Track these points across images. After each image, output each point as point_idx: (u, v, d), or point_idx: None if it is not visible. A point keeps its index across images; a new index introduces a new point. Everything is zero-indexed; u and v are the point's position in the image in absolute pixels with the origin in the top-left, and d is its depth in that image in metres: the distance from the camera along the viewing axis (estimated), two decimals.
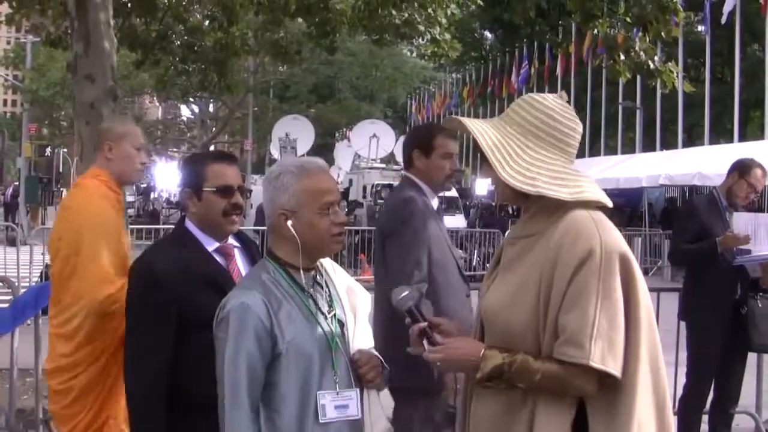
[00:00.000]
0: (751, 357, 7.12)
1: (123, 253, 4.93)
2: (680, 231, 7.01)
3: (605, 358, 2.75)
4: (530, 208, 3.04)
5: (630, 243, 23.64)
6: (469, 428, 3.09)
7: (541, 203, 2.96)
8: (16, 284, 8.48)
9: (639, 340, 2.83)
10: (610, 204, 3.00)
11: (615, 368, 2.77)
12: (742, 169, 6.84)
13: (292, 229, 3.12)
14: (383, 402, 3.41)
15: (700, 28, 38.44)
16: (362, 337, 3.33)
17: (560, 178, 2.93)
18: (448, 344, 2.97)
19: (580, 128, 3.06)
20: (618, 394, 2.81)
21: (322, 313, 3.19)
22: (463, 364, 2.97)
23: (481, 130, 3.01)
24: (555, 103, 3.02)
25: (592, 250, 2.80)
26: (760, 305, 6.59)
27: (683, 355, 7.02)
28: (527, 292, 2.89)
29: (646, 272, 23.30)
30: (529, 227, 3.03)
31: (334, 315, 3.23)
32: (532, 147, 2.97)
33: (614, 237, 2.89)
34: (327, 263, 3.40)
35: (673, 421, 2.93)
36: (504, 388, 2.90)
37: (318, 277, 3.29)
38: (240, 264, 3.90)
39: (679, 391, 7.04)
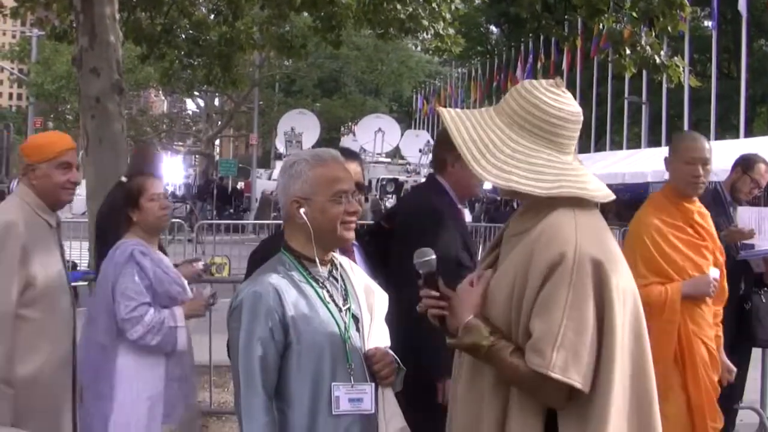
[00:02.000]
0: (756, 352, 7.11)
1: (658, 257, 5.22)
2: None
3: (567, 369, 2.63)
4: (523, 204, 2.97)
5: None
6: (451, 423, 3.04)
7: (532, 199, 2.84)
8: None
9: (613, 352, 2.69)
10: (602, 198, 2.87)
11: (578, 380, 2.64)
12: (745, 164, 6.83)
13: (305, 217, 3.14)
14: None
15: (707, 23, 38.40)
16: (378, 336, 3.32)
17: (539, 171, 2.80)
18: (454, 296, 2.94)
19: (574, 117, 2.88)
20: (589, 408, 2.69)
21: (337, 306, 3.20)
22: (451, 320, 2.92)
23: (459, 123, 2.90)
24: (544, 92, 2.87)
25: (564, 254, 2.68)
26: (764, 300, 6.57)
27: None
28: (503, 288, 2.82)
29: None
30: (520, 224, 2.93)
31: (349, 309, 3.24)
32: (515, 139, 2.84)
33: (594, 242, 2.76)
34: (345, 261, 3.42)
35: (659, 429, 2.82)
36: (478, 382, 2.86)
37: (333, 270, 3.31)
38: (359, 261, 3.99)
39: None
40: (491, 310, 2.84)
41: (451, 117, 2.94)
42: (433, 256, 3.11)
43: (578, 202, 2.83)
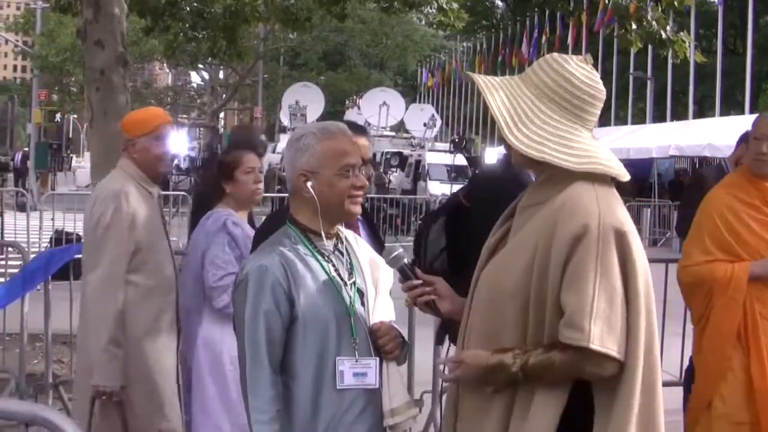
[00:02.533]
0: None
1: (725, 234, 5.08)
2: (689, 203, 6.95)
3: (605, 339, 2.66)
4: (540, 176, 2.96)
5: (639, 214, 23.64)
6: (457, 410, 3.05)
7: (550, 171, 2.85)
8: (26, 249, 8.50)
9: (637, 321, 2.73)
10: (624, 177, 2.89)
11: (615, 350, 2.68)
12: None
13: (311, 190, 3.13)
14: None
15: None
16: (383, 311, 3.31)
17: (569, 146, 2.82)
18: (459, 358, 2.92)
19: (602, 95, 2.93)
20: (619, 377, 2.73)
21: (342, 280, 3.19)
22: (475, 378, 2.87)
23: (493, 90, 2.90)
24: (577, 67, 2.89)
25: (588, 225, 2.70)
26: None
27: (690, 327, 7.02)
28: (521, 256, 2.81)
29: (654, 243, 23.31)
30: (536, 196, 2.94)
31: (354, 283, 3.23)
32: (545, 111, 2.86)
33: (615, 213, 2.79)
34: (350, 235, 3.41)
35: (661, 406, 2.84)
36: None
37: (339, 244, 3.30)
38: (363, 235, 4.01)
39: (686, 363, 7.04)
40: (506, 280, 2.83)
41: (485, 83, 2.94)
42: (401, 250, 3.18)
43: (596, 177, 2.85)
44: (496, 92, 2.90)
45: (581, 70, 2.89)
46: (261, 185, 5.18)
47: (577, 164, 2.80)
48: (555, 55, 2.96)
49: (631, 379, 2.72)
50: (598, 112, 2.95)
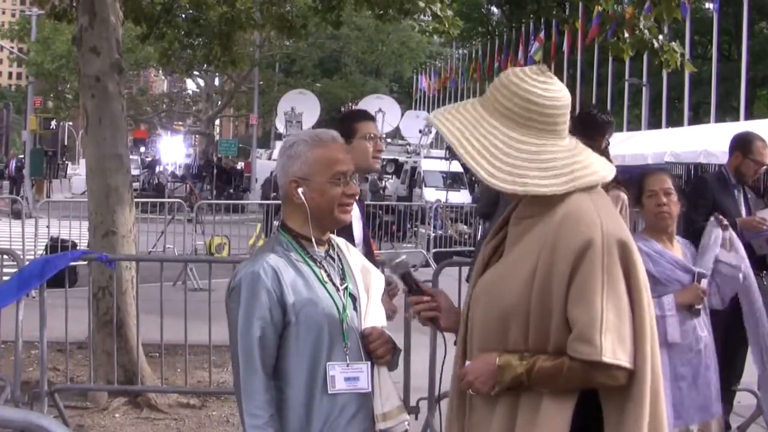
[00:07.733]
0: None
1: None
2: (694, 208, 6.96)
3: (616, 351, 2.67)
4: None
5: (635, 221, 23.65)
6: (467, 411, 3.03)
7: None
8: (21, 257, 8.49)
9: (645, 328, 2.75)
10: (608, 177, 2.87)
11: (626, 360, 2.70)
12: (744, 148, 6.81)
13: (302, 197, 3.17)
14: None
15: (708, 5, 38.29)
16: (375, 316, 3.33)
17: (550, 167, 2.77)
18: (464, 370, 2.92)
19: (566, 102, 2.85)
20: (630, 385, 2.74)
21: (334, 285, 3.22)
22: (483, 382, 2.85)
23: (458, 132, 2.84)
24: (534, 83, 2.81)
25: (593, 238, 2.69)
26: (765, 283, 6.57)
27: None
28: (521, 268, 2.79)
29: None
30: (532, 207, 2.88)
31: (346, 288, 3.26)
32: (514, 137, 2.80)
33: (615, 222, 2.79)
34: (341, 243, 3.43)
35: (665, 413, 2.86)
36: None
37: (331, 250, 3.33)
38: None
39: None
40: (505, 292, 2.82)
41: (450, 132, 2.87)
42: (404, 257, 3.22)
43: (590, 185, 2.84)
44: (464, 137, 2.83)
45: (539, 85, 2.82)
46: None
47: (564, 184, 2.77)
48: (510, 73, 2.87)
49: (640, 386, 2.73)
50: (568, 119, 2.88)
